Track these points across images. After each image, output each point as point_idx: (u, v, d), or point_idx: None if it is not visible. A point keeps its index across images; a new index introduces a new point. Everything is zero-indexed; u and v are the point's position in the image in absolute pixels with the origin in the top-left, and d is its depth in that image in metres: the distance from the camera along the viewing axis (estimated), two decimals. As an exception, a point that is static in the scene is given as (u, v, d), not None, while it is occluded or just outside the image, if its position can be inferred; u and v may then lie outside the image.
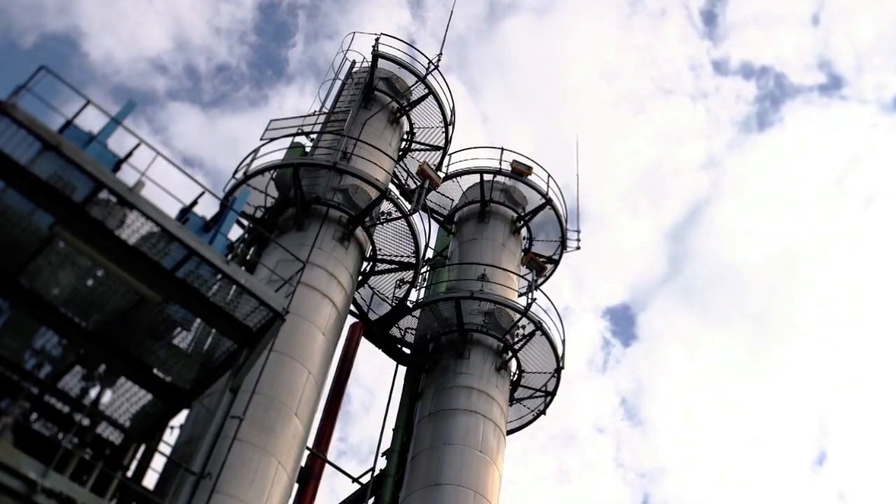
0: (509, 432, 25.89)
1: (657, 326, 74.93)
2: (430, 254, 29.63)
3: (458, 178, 30.78)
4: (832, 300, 75.09)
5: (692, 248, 79.42)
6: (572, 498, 66.85)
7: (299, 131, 25.35)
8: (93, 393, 15.43)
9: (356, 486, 23.81)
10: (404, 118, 28.67)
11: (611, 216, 73.15)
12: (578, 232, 30.75)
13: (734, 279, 75.74)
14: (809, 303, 75.09)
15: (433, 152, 29.94)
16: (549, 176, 30.73)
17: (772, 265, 74.92)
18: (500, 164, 30.66)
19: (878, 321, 73.78)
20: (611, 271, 69.22)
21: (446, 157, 30.23)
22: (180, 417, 17.11)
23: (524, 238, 30.58)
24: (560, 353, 25.78)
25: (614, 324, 73.88)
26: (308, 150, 25.94)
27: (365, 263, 24.90)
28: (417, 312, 25.99)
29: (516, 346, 25.58)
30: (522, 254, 29.92)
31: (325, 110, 26.95)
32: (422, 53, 29.23)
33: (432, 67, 29.11)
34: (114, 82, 67.00)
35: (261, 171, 23.61)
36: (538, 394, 26.58)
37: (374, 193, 23.62)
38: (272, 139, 25.00)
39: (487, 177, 30.17)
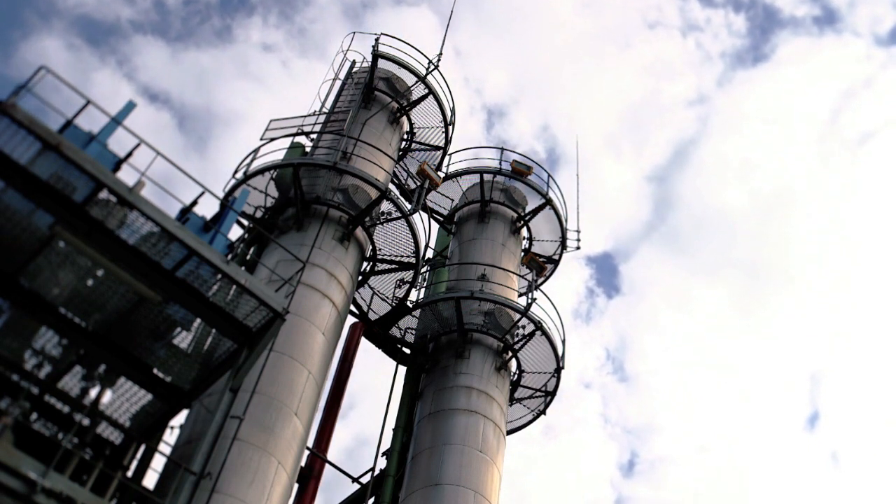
0: (509, 432, 25.91)
1: (642, 278, 71.05)
2: (430, 254, 29.68)
3: (458, 178, 30.82)
4: (826, 246, 70.95)
5: (678, 192, 74.90)
6: (560, 454, 64.75)
7: (299, 131, 25.37)
8: (93, 393, 15.43)
9: (356, 486, 23.87)
10: (404, 118, 28.68)
11: (592, 158, 69.00)
12: (579, 231, 30.79)
13: (722, 225, 71.59)
14: (802, 249, 71.06)
15: (433, 152, 29.95)
16: (550, 176, 30.82)
17: (762, 209, 70.73)
18: (500, 164, 30.74)
19: (874, 268, 69.72)
20: (592, 218, 66.15)
21: (446, 157, 30.28)
22: (180, 417, 17.14)
23: (524, 238, 30.59)
24: (560, 353, 25.79)
25: (599, 272, 70.55)
26: (308, 149, 25.94)
27: (365, 263, 24.90)
28: (417, 312, 25.99)
29: (516, 346, 25.58)
30: (522, 254, 29.93)
31: (325, 110, 26.97)
32: (422, 53, 29.25)
33: (432, 67, 29.13)
34: (77, 14, 64.76)
35: (261, 171, 23.62)
36: (538, 394, 26.59)
37: (374, 193, 23.62)
38: (272, 139, 25.01)
39: (487, 177, 30.20)
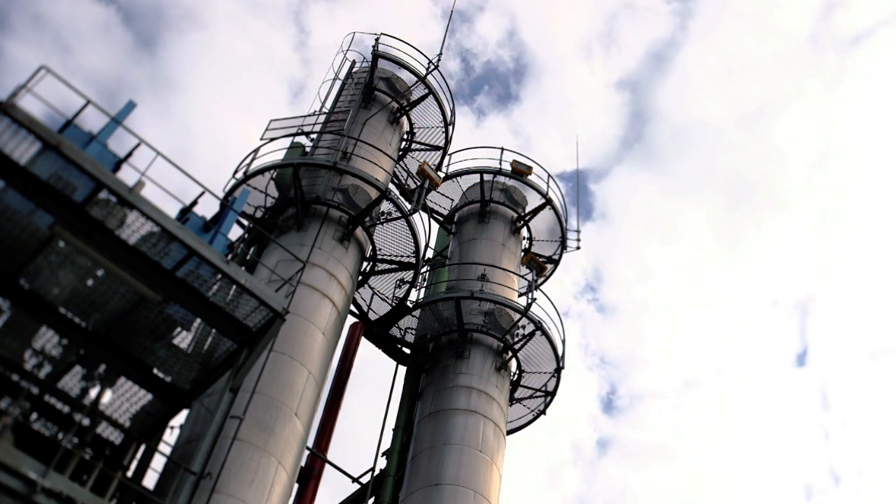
0: (509, 432, 25.90)
1: (617, 199, 65.41)
2: (430, 254, 29.68)
3: (458, 178, 30.83)
4: (816, 160, 64.96)
5: (654, 102, 68.21)
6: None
7: (299, 131, 25.37)
8: (93, 393, 15.43)
9: (356, 486, 23.87)
10: (404, 118, 28.69)
11: (561, 66, 62.85)
12: (578, 231, 30.81)
13: (703, 139, 65.44)
14: (790, 165, 65.24)
15: (433, 152, 29.97)
16: (550, 176, 30.82)
17: (747, 120, 64.73)
18: (500, 164, 30.71)
19: (868, 184, 63.78)
20: (561, 131, 58.66)
21: (446, 157, 30.29)
22: (180, 417, 17.14)
23: (524, 238, 30.59)
24: (560, 352, 25.79)
25: (572, 192, 65.26)
26: (308, 149, 25.95)
27: (365, 263, 24.90)
28: (417, 312, 25.99)
29: (516, 346, 25.58)
30: (522, 253, 29.93)
31: (325, 110, 26.97)
32: (422, 53, 29.26)
33: (432, 67, 29.15)
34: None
35: (261, 171, 23.63)
36: (538, 394, 26.59)
37: (374, 193, 23.63)
38: (272, 139, 25.02)
39: (487, 177, 30.20)
